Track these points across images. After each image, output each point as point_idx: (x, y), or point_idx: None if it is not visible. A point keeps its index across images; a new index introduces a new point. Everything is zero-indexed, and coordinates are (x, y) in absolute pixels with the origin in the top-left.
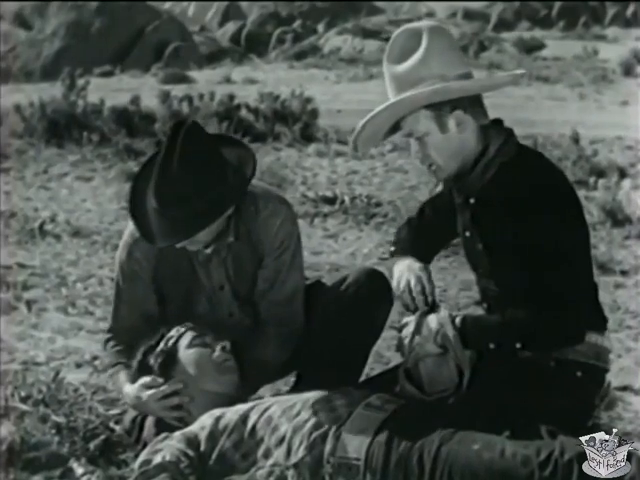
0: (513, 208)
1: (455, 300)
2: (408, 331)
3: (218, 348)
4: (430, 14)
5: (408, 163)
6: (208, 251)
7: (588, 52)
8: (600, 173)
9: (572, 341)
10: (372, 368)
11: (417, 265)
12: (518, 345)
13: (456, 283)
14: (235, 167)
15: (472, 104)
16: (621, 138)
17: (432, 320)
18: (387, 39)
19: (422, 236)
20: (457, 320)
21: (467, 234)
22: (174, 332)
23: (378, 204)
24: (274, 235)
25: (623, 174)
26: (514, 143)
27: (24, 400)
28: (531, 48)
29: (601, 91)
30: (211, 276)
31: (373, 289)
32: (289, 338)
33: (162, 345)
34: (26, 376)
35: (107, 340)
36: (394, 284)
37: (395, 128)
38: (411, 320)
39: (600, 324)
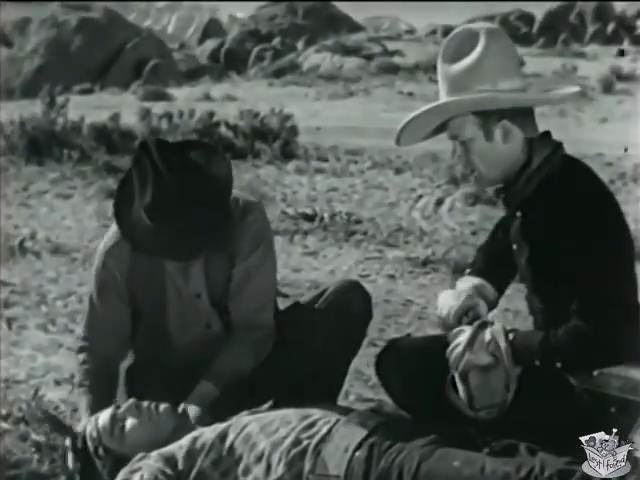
0: (556, 223)
1: (435, 317)
2: (461, 340)
3: (130, 408)
4: (410, 31)
5: (387, 180)
6: None
7: (567, 69)
8: None
9: (611, 362)
10: (351, 385)
11: (466, 292)
12: (558, 364)
13: (436, 300)
14: (208, 168)
15: (521, 115)
16: (601, 155)
17: (486, 332)
18: (367, 56)
19: (495, 258)
20: (510, 335)
21: (515, 247)
22: (88, 440)
23: (358, 221)
24: (243, 237)
25: None
26: (560, 156)
27: (4, 418)
28: None
29: (581, 108)
30: (188, 283)
31: (351, 302)
32: (260, 344)
33: (97, 453)
34: (6, 394)
35: (80, 349)
36: (438, 308)
37: (442, 127)
38: (466, 330)
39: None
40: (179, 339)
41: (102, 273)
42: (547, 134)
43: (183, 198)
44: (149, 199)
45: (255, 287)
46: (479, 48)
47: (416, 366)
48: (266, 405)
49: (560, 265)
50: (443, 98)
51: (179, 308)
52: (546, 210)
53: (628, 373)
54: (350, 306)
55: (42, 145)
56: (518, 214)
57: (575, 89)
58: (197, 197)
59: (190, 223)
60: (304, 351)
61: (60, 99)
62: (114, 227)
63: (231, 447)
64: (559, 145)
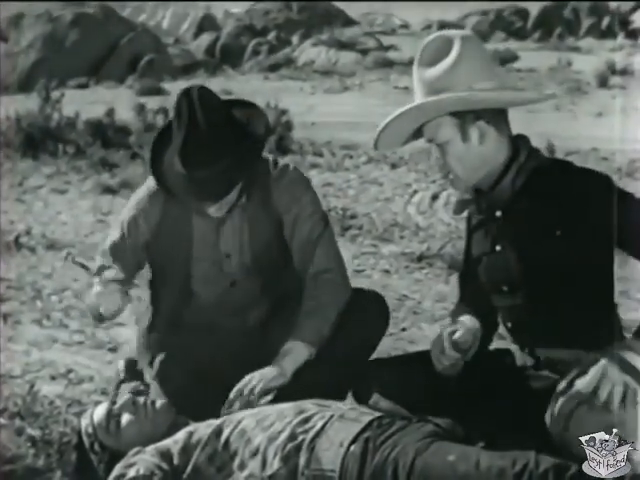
0: (547, 216)
1: (431, 312)
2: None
3: (126, 404)
4: (405, 26)
5: (383, 175)
6: (222, 214)
7: (562, 63)
8: None
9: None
10: None
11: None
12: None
13: (431, 295)
14: (247, 126)
15: (496, 117)
16: (596, 149)
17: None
18: (362, 51)
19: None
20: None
21: (498, 248)
22: (83, 436)
23: (353, 216)
24: (282, 192)
25: None
26: (541, 152)
27: (0, 413)
28: (505, 60)
29: (576, 102)
30: (218, 243)
31: (370, 316)
32: (333, 292)
33: (93, 449)
34: (2, 389)
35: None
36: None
37: (418, 133)
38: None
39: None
40: (202, 298)
41: (130, 221)
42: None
43: (216, 145)
44: (182, 142)
45: (307, 234)
46: (454, 52)
47: (397, 374)
48: (268, 397)
49: (551, 260)
50: (420, 101)
51: (204, 267)
52: (536, 204)
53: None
54: (368, 319)
55: (37, 140)
56: (498, 214)
57: (549, 91)
58: (229, 145)
59: (219, 171)
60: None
61: (55, 94)
62: (145, 185)
63: (226, 442)
64: (535, 147)
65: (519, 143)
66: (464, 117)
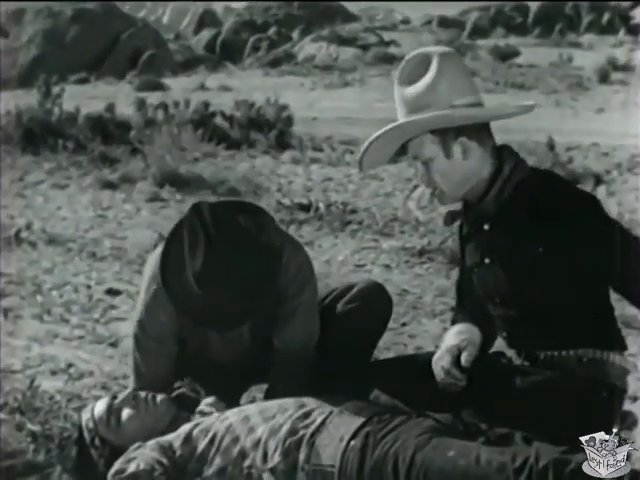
0: (530, 232)
1: (431, 307)
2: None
3: (127, 399)
4: (405, 21)
5: (383, 170)
6: None
7: (563, 59)
8: (576, 180)
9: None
10: None
11: (454, 344)
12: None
13: (432, 289)
14: (260, 237)
15: (478, 131)
16: (597, 145)
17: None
18: (362, 46)
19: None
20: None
21: (487, 261)
22: (84, 431)
23: (353, 211)
24: (291, 282)
25: (599, 181)
26: (526, 164)
27: (0, 408)
28: (506, 55)
29: (576, 98)
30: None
31: (374, 308)
32: (297, 370)
33: (94, 443)
34: (2, 384)
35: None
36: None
37: (403, 150)
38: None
39: (621, 344)
40: (214, 354)
41: (152, 324)
42: (507, 146)
43: (233, 266)
44: (199, 266)
45: (299, 326)
46: (433, 70)
47: (398, 374)
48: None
49: (542, 269)
50: (401, 120)
51: (219, 344)
52: (523, 215)
53: (616, 361)
54: (372, 312)
55: (38, 135)
56: (486, 227)
57: (529, 103)
58: (247, 265)
59: (238, 291)
60: (322, 350)
61: (56, 89)
62: (157, 279)
63: (230, 426)
64: (520, 156)
65: (504, 155)
66: (445, 134)
